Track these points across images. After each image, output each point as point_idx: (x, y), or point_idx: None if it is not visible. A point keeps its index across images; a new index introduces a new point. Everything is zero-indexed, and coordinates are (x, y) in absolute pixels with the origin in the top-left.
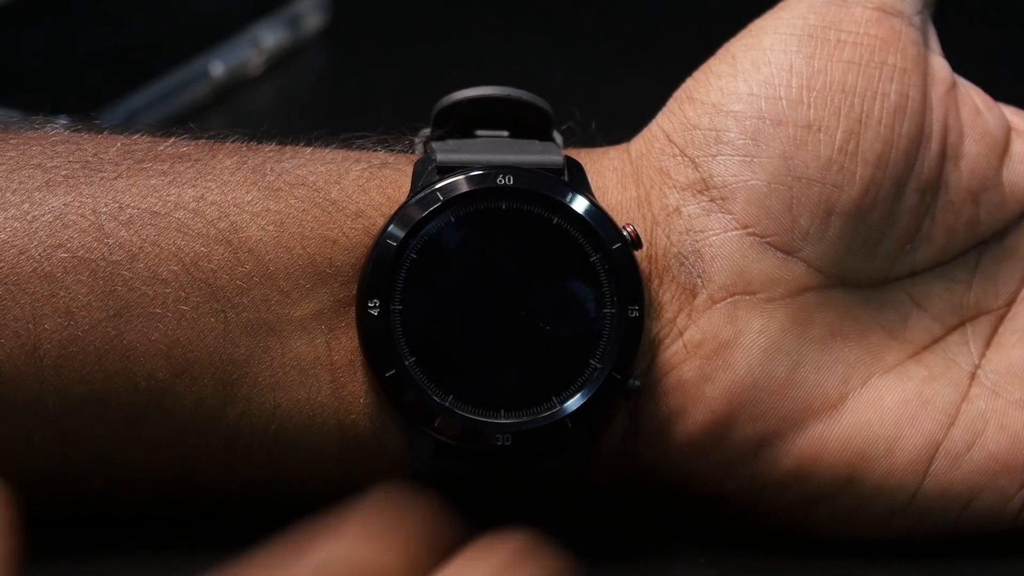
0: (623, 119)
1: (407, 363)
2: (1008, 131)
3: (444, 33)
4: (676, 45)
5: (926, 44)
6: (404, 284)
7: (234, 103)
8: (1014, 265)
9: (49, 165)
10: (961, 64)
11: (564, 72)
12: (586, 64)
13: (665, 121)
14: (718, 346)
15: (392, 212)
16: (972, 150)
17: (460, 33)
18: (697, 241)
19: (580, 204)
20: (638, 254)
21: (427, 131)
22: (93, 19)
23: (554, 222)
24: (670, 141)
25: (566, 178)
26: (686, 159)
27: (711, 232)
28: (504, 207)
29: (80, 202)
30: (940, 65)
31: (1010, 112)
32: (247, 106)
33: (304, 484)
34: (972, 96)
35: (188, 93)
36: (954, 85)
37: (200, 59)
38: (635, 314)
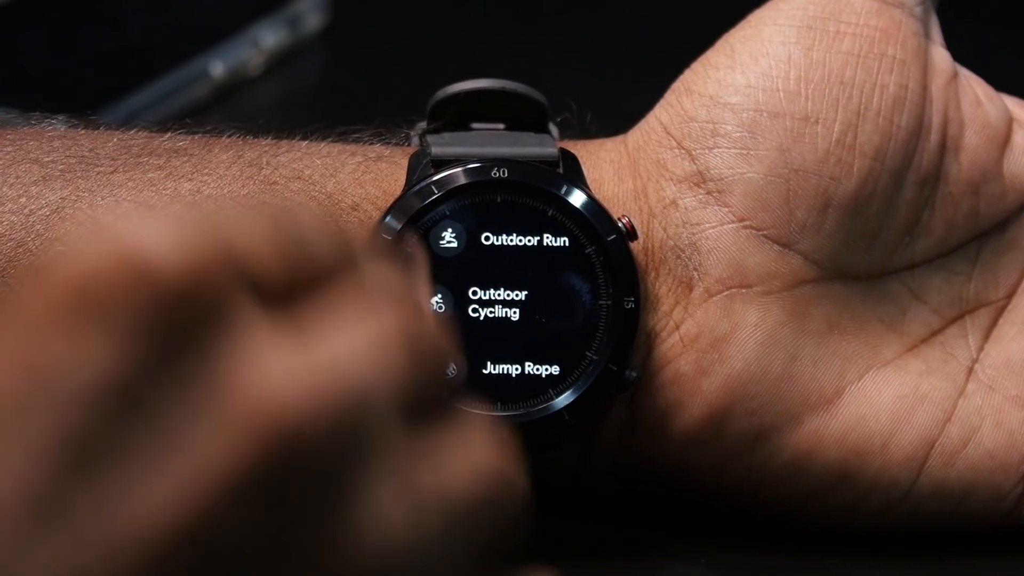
0: (620, 112)
1: None
2: (1010, 122)
3: (444, 33)
4: (674, 37)
5: (927, 35)
6: None
7: (234, 103)
8: (1015, 257)
9: (46, 160)
10: (964, 58)
11: (561, 66)
12: (583, 58)
13: (663, 113)
14: (715, 340)
15: (388, 205)
16: (972, 141)
17: (460, 32)
18: (693, 234)
19: (575, 196)
20: (634, 247)
21: (423, 124)
22: (93, 19)
23: (549, 214)
24: (667, 133)
25: (561, 170)
26: (683, 151)
27: (708, 225)
28: (499, 200)
29: (77, 196)
30: (941, 56)
31: (1012, 103)
32: (247, 106)
33: None
34: (973, 87)
35: (188, 93)
36: (955, 76)
37: (200, 59)
38: (631, 306)
